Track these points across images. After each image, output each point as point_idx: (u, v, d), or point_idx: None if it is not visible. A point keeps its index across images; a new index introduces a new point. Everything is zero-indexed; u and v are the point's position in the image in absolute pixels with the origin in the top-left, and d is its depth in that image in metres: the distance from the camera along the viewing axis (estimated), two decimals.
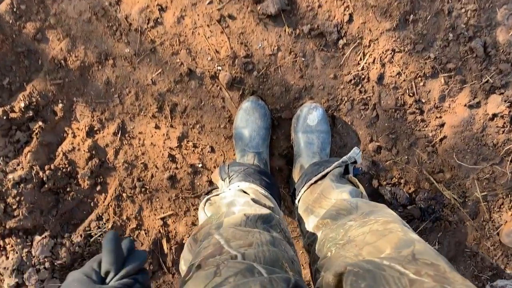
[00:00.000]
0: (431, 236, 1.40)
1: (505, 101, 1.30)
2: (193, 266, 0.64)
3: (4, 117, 1.30)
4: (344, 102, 1.36)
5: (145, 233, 1.39)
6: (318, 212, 0.99)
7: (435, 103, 1.35)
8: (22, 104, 1.31)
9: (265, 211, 0.87)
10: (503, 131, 1.33)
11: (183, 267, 0.83)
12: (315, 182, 1.11)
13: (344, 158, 1.11)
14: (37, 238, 1.33)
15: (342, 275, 0.57)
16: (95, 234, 1.37)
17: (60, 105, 1.35)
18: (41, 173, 1.32)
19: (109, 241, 0.56)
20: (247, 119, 1.29)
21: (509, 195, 1.36)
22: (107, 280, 0.55)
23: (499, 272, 1.40)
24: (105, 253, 0.56)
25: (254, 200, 0.96)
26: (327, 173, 1.09)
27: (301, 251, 1.43)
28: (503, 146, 1.34)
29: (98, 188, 1.38)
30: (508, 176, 1.34)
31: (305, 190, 1.12)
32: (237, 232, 0.74)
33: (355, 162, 1.11)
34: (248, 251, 0.66)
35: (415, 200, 1.38)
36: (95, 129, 1.38)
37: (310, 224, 1.01)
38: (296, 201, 1.17)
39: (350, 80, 1.34)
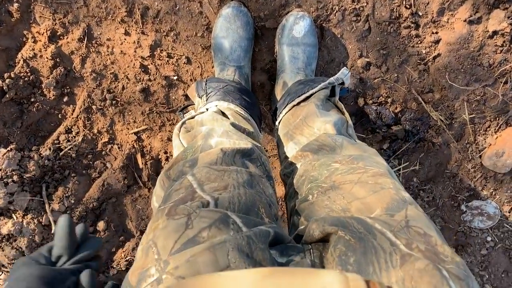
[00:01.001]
0: (413, 156, 1.39)
1: (509, 17, 1.20)
2: (162, 212, 0.59)
3: None
4: (334, 12, 1.24)
5: (118, 148, 1.34)
6: (298, 140, 0.94)
7: (433, 17, 1.25)
8: None
9: (244, 145, 0.81)
10: (501, 51, 1.25)
11: (155, 203, 0.79)
12: (298, 103, 1.04)
13: (331, 79, 1.03)
14: (2, 150, 1.27)
15: (330, 235, 0.54)
16: (65, 147, 1.31)
17: (16, 5, 1.20)
18: (0, 82, 1.22)
19: (62, 226, 0.54)
20: (228, 27, 1.18)
21: (497, 118, 1.33)
22: (58, 264, 0.53)
23: (476, 193, 1.42)
24: (58, 238, 0.53)
25: (233, 125, 0.90)
26: (311, 95, 1.03)
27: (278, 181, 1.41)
28: (499, 66, 1.27)
29: (66, 99, 1.30)
30: (499, 98, 1.30)
31: (287, 112, 1.06)
32: (211, 172, 0.69)
33: (342, 83, 1.04)
34: (222, 195, 0.62)
35: (401, 120, 1.34)
36: (58, 33, 1.25)
37: (289, 151, 0.97)
38: (277, 123, 1.11)
39: None
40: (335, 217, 0.57)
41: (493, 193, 1.41)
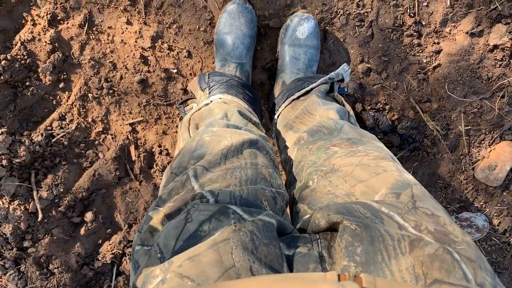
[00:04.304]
0: (407, 164, 1.42)
1: (510, 32, 1.25)
2: (162, 213, 0.61)
3: None
4: (339, 15, 1.27)
5: (112, 138, 1.35)
6: (298, 128, 0.96)
7: (436, 27, 1.29)
8: None
9: (251, 136, 0.83)
10: (501, 65, 1.29)
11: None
12: (298, 97, 1.07)
13: (332, 74, 1.06)
14: None
15: (337, 225, 0.55)
16: (57, 134, 1.31)
17: None
18: None
19: None
20: (232, 24, 1.20)
21: (492, 132, 1.37)
22: None
23: (466, 205, 1.46)
24: None
25: (239, 112, 0.92)
26: (311, 89, 1.05)
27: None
28: (497, 80, 1.31)
29: (61, 85, 1.30)
30: (496, 112, 1.34)
31: (286, 106, 1.09)
32: (213, 175, 0.70)
33: (342, 80, 1.07)
34: (222, 190, 0.63)
35: (397, 128, 1.38)
36: (58, 18, 1.25)
37: (288, 140, 0.98)
38: (275, 117, 1.14)
39: None
40: (339, 203, 0.58)
41: (484, 205, 1.46)
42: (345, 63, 1.10)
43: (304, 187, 0.76)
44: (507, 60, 1.28)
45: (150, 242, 0.61)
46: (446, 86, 1.33)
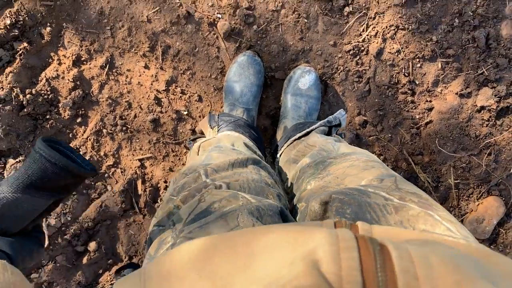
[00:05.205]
0: None
1: (495, 95, 1.36)
2: (178, 199, 0.68)
3: None
4: (339, 71, 1.40)
5: (121, 172, 1.44)
6: (299, 160, 1.04)
7: (428, 87, 1.40)
8: (8, 21, 1.30)
9: (255, 156, 0.92)
10: (487, 125, 1.40)
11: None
12: (299, 138, 1.16)
13: (330, 117, 1.16)
14: (11, 161, 1.36)
15: (328, 204, 0.60)
16: None
17: (48, 29, 1.34)
18: (21, 96, 1.33)
19: None
20: (241, 73, 1.32)
21: (480, 186, 1.45)
22: None
23: None
24: None
25: (245, 144, 1.01)
26: (311, 130, 1.15)
27: None
28: (484, 139, 1.41)
29: (79, 120, 1.40)
30: (483, 168, 1.43)
31: (288, 145, 1.18)
32: (223, 173, 0.79)
33: (339, 125, 1.16)
34: (232, 182, 0.72)
35: None
36: (82, 59, 1.38)
37: (290, 170, 1.06)
38: (278, 155, 1.23)
39: (349, 50, 1.37)
40: (330, 191, 0.64)
41: None
42: (342, 109, 1.20)
43: (302, 190, 0.83)
44: (493, 120, 1.39)
45: (165, 223, 0.67)
46: (437, 141, 1.43)
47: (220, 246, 0.37)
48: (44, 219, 1.38)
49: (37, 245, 0.57)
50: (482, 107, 1.39)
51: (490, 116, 1.39)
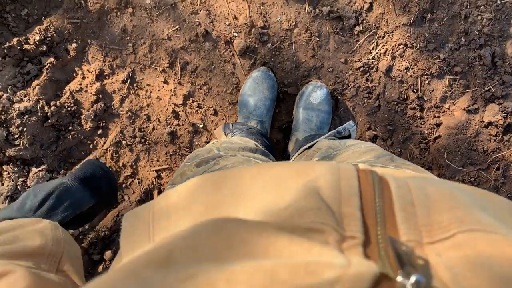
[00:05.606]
0: None
1: (502, 111, 1.40)
2: (193, 164, 0.71)
3: (18, 47, 1.37)
4: (350, 87, 1.45)
5: (138, 182, 1.49)
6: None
7: (436, 103, 1.45)
8: (37, 38, 1.38)
9: (263, 150, 0.97)
10: (495, 140, 1.44)
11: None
12: (310, 147, 1.21)
13: (339, 128, 1.21)
14: (34, 170, 1.42)
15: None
16: None
17: (74, 45, 1.42)
18: (46, 108, 1.40)
19: None
20: (255, 87, 1.38)
21: None
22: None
23: None
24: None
25: (256, 146, 1.06)
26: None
27: None
28: (492, 154, 1.45)
29: (100, 131, 1.47)
30: (491, 182, 1.46)
31: (299, 154, 1.23)
32: (235, 151, 0.84)
33: (348, 136, 1.21)
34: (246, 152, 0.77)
35: None
36: (105, 73, 1.45)
37: None
38: None
39: (359, 67, 1.43)
40: None
41: None
42: (351, 120, 1.24)
43: None
44: (500, 136, 1.43)
45: (179, 181, 0.69)
46: (445, 156, 1.47)
47: (227, 180, 0.38)
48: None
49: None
50: (490, 123, 1.43)
51: (498, 132, 1.43)
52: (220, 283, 0.23)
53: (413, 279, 0.24)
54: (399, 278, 0.25)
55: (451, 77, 1.43)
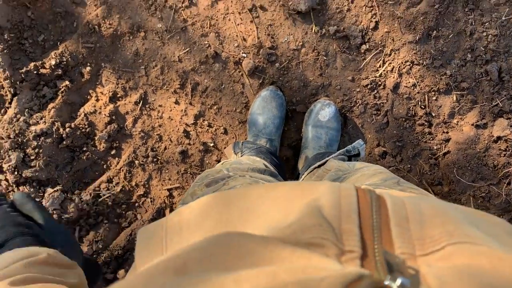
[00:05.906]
0: None
1: (511, 126, 1.41)
2: (203, 184, 0.74)
3: (35, 72, 1.42)
4: (358, 104, 1.47)
5: (151, 201, 1.52)
6: None
7: (444, 119, 1.46)
8: (53, 62, 1.43)
9: (272, 171, 0.99)
10: (505, 155, 1.44)
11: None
12: (319, 166, 1.22)
13: (349, 147, 1.22)
14: (49, 190, 1.45)
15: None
16: (104, 195, 1.49)
17: (88, 68, 1.47)
18: (61, 130, 1.44)
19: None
20: (264, 106, 1.41)
21: (501, 216, 1.47)
22: None
23: None
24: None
25: (265, 165, 1.08)
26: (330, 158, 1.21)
27: None
28: (503, 168, 1.45)
29: (113, 152, 1.50)
30: (503, 197, 1.46)
31: (308, 173, 1.24)
32: (243, 172, 0.86)
33: (358, 155, 1.22)
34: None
35: None
36: (118, 95, 1.49)
37: None
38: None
39: (367, 85, 1.46)
40: None
41: None
42: (360, 139, 1.26)
43: None
44: (510, 150, 1.43)
45: (189, 200, 0.72)
46: (455, 171, 1.47)
47: (236, 198, 0.41)
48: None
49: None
50: (499, 137, 1.43)
51: (507, 146, 1.43)
52: (228, 283, 0.26)
53: (398, 281, 0.27)
54: (387, 281, 0.27)
55: (459, 92, 1.44)
